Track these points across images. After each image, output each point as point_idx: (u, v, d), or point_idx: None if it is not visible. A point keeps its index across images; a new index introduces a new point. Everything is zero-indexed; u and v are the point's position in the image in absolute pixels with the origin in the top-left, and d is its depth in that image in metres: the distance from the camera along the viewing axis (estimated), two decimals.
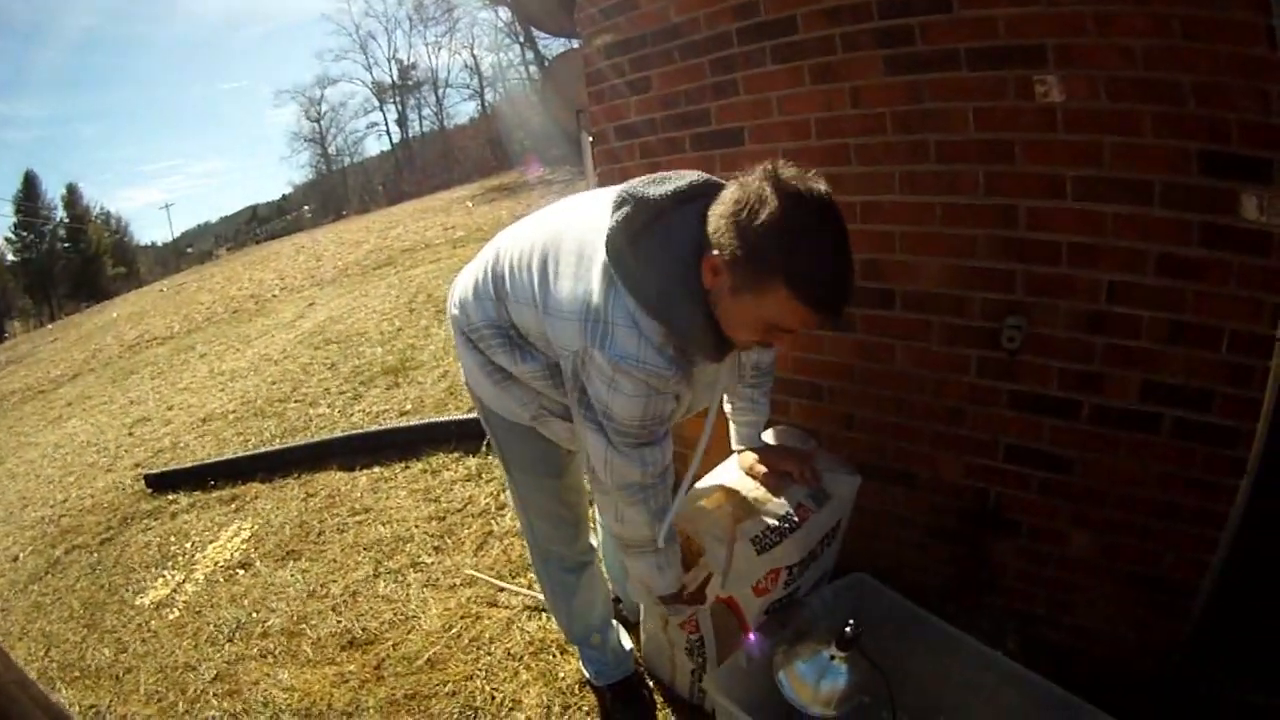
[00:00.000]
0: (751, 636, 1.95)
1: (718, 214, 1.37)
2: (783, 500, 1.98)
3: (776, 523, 1.92)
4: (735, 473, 2.11)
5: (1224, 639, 2.05)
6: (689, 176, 1.49)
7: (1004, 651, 1.92)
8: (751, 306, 1.36)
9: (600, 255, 1.45)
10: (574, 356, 1.50)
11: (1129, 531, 2.01)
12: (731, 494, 2.02)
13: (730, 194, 1.36)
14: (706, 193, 1.45)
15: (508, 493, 2.36)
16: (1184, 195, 1.75)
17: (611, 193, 1.50)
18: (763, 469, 2.06)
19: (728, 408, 2.08)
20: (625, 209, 1.42)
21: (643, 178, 1.51)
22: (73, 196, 48.62)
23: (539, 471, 1.97)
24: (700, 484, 2.11)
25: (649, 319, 1.42)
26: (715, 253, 1.36)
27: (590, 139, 3.07)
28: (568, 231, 1.57)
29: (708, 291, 1.40)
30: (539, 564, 2.20)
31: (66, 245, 47.61)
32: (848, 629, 1.67)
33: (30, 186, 46.25)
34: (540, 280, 1.57)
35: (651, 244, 1.41)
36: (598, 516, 2.07)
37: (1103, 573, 2.09)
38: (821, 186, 1.33)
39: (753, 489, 2.03)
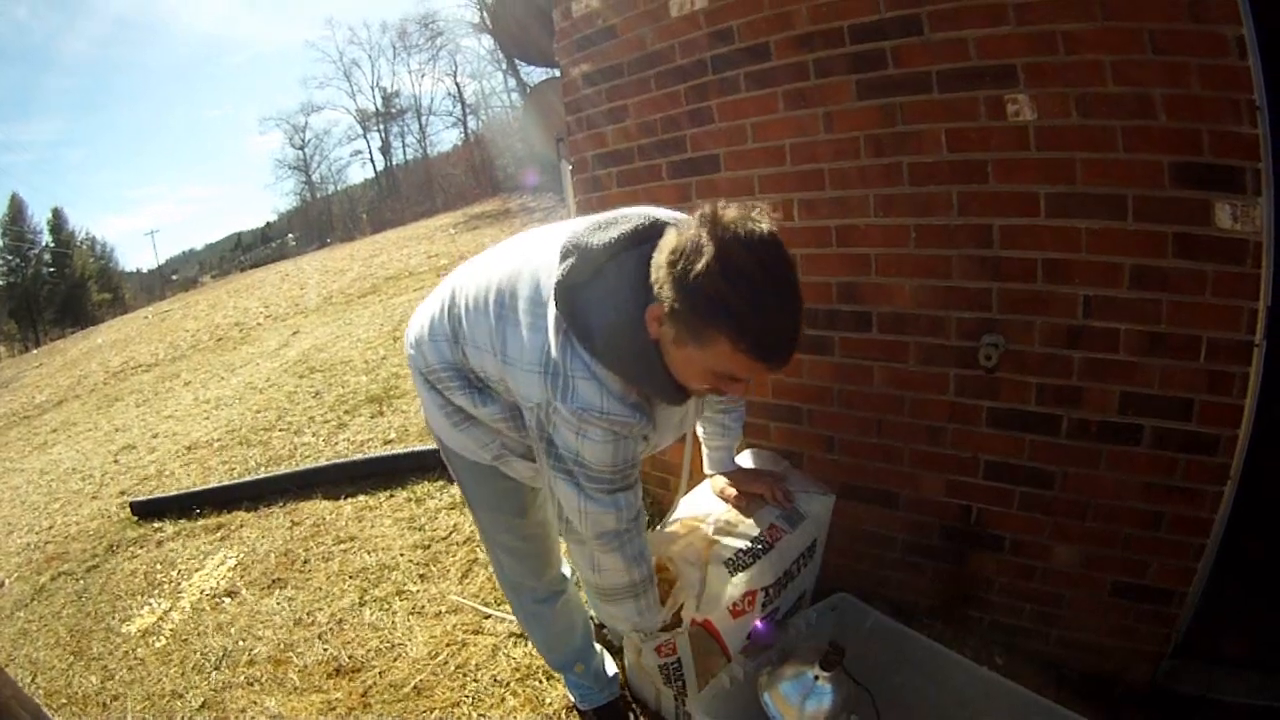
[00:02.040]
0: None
1: (657, 263, 1.30)
2: (755, 522, 1.95)
3: (749, 544, 1.89)
4: (707, 497, 2.08)
5: (1213, 644, 2.04)
6: (635, 219, 1.41)
7: (991, 666, 1.90)
8: (697, 357, 1.30)
9: (554, 304, 1.40)
10: (537, 409, 1.45)
11: (1113, 542, 2.00)
12: (703, 518, 1.99)
13: (668, 242, 1.29)
14: (652, 236, 1.38)
15: (477, 531, 2.32)
16: (1158, 207, 1.75)
17: (563, 234, 1.46)
18: (734, 492, 2.03)
19: (700, 432, 2.05)
20: (570, 260, 1.38)
21: (591, 220, 1.46)
22: (58, 221, 48.01)
23: (503, 510, 1.92)
24: (674, 510, 2.09)
25: (604, 369, 1.38)
26: (652, 305, 1.31)
27: (570, 167, 3.05)
28: (523, 273, 1.51)
29: (656, 340, 1.35)
30: (511, 596, 2.15)
31: (52, 270, 46.90)
32: (830, 649, 1.65)
33: (16, 210, 45.68)
34: (497, 326, 1.52)
35: (596, 295, 1.36)
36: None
37: (1088, 584, 2.07)
38: (764, 227, 1.25)
39: (725, 512, 2.00)
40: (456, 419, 1.73)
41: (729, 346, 1.25)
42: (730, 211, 1.25)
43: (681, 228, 1.28)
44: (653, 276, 1.31)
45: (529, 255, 1.54)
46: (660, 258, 1.29)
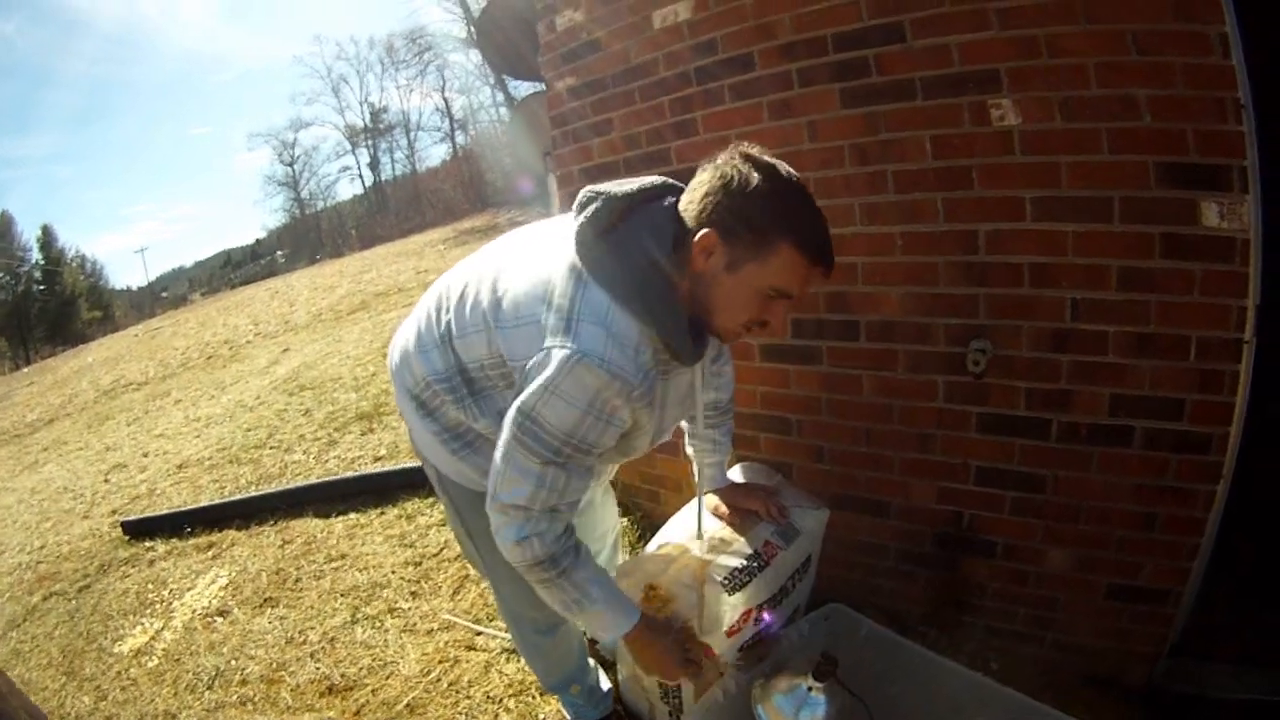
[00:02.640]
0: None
1: (701, 195, 1.34)
2: (749, 539, 1.91)
3: (744, 562, 1.84)
4: (698, 515, 2.05)
5: (1210, 642, 2.04)
6: (651, 177, 1.44)
7: (986, 672, 1.88)
8: (754, 276, 1.32)
9: (561, 257, 1.37)
10: (526, 362, 1.35)
11: (1106, 544, 1.98)
12: (696, 537, 1.95)
13: (709, 176, 1.35)
14: (670, 190, 1.43)
15: (468, 559, 2.23)
16: (1144, 208, 1.74)
17: (553, 220, 1.48)
18: (727, 510, 1.99)
19: (690, 450, 2.01)
20: (593, 206, 1.36)
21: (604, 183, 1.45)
22: (48, 238, 47.60)
23: None
24: (663, 531, 2.05)
25: (626, 316, 1.31)
26: (706, 231, 1.32)
27: (556, 180, 3.04)
28: (519, 250, 1.51)
29: (696, 275, 1.35)
30: (511, 625, 2.09)
31: (42, 288, 46.55)
32: (823, 659, 1.62)
33: (4, 227, 45.27)
34: (491, 300, 1.45)
35: (625, 237, 1.35)
36: None
37: (1082, 587, 2.05)
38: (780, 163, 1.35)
39: (718, 530, 1.96)
40: (454, 445, 1.65)
41: (793, 252, 1.30)
42: (753, 148, 1.35)
43: (714, 166, 1.36)
44: (697, 209, 1.35)
45: (524, 242, 1.54)
46: (703, 190, 1.35)
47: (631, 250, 1.34)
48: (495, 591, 2.04)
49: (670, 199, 1.41)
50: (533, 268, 1.42)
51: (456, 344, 1.53)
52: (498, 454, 1.41)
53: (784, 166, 1.33)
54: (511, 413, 1.36)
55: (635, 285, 1.32)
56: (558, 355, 1.29)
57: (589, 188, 1.41)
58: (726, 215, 1.31)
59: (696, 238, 1.32)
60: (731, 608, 1.80)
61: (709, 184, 1.33)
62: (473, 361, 1.52)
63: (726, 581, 1.81)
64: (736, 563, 1.85)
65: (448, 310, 1.56)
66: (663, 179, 1.45)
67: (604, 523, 2.26)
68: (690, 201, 1.36)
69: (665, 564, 1.88)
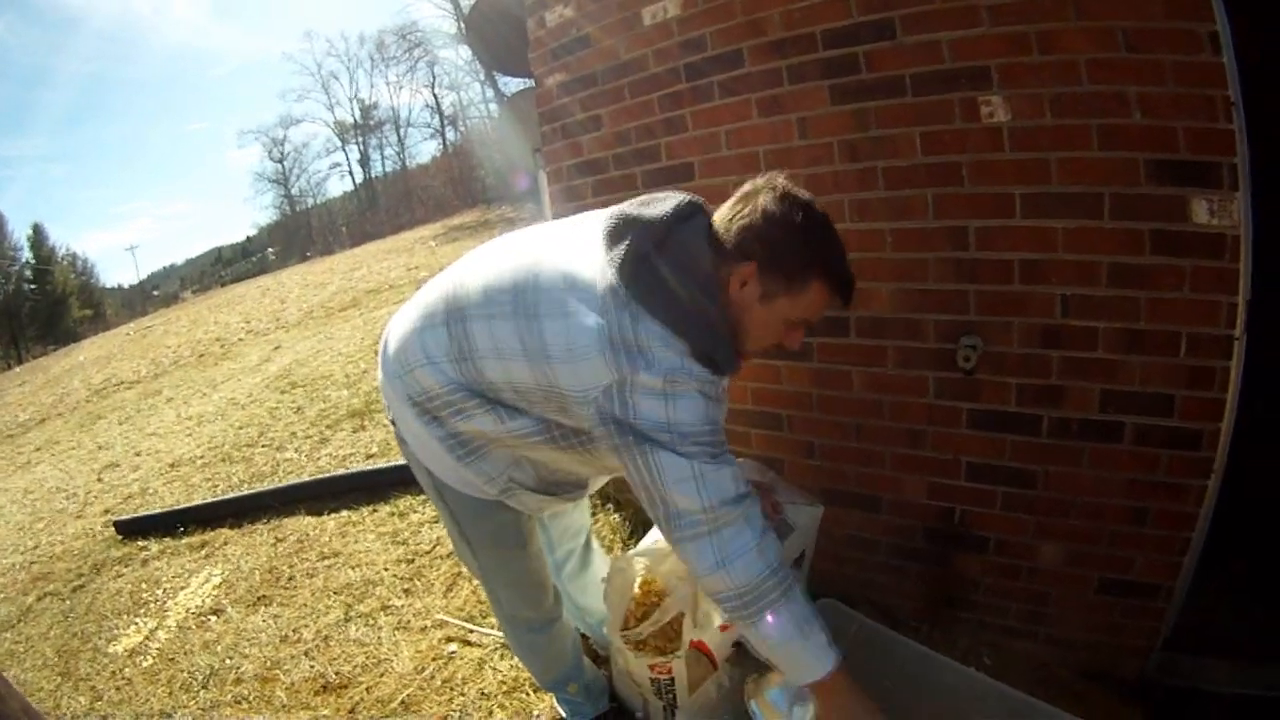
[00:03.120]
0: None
1: (739, 226, 1.39)
2: None
3: None
4: None
5: (1202, 636, 2.04)
6: (674, 197, 1.44)
7: (979, 667, 1.88)
8: (785, 308, 1.41)
9: (598, 285, 1.34)
10: (605, 394, 1.33)
11: (1098, 539, 1.98)
12: None
13: (746, 209, 1.40)
14: (696, 210, 1.44)
15: (463, 562, 2.24)
16: (1134, 205, 1.73)
17: (594, 221, 1.45)
18: None
19: None
20: (630, 236, 1.35)
21: (626, 203, 1.45)
22: (39, 237, 47.23)
23: (504, 544, 1.80)
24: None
25: (680, 340, 1.32)
26: (747, 265, 1.37)
27: (546, 176, 3.02)
28: (542, 267, 1.43)
29: (729, 300, 1.40)
30: (506, 628, 2.07)
31: (33, 287, 46.19)
32: None
33: None
34: (529, 325, 1.39)
35: (670, 266, 1.34)
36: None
37: (1074, 581, 2.05)
38: (806, 192, 1.42)
39: None
40: (461, 452, 1.59)
41: (823, 289, 1.40)
42: (783, 179, 1.42)
43: (748, 195, 1.41)
44: (734, 240, 1.39)
45: (548, 250, 1.46)
46: (736, 223, 1.40)
47: (680, 279, 1.34)
48: (491, 595, 2.01)
49: (698, 219, 1.43)
50: (565, 298, 1.37)
51: (482, 362, 1.47)
52: (679, 474, 1.32)
53: (815, 201, 1.41)
54: (647, 444, 1.32)
55: (682, 314, 1.33)
56: (649, 381, 1.30)
57: (618, 213, 1.41)
58: (765, 250, 1.36)
59: (736, 269, 1.38)
60: None
61: (748, 217, 1.38)
62: (501, 381, 1.46)
63: None
64: None
65: (460, 324, 1.49)
66: (684, 198, 1.44)
67: (579, 520, 2.25)
68: (726, 230, 1.40)
69: (661, 558, 1.87)
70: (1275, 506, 2.33)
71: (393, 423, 1.73)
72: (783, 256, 1.36)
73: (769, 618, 1.38)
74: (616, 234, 1.37)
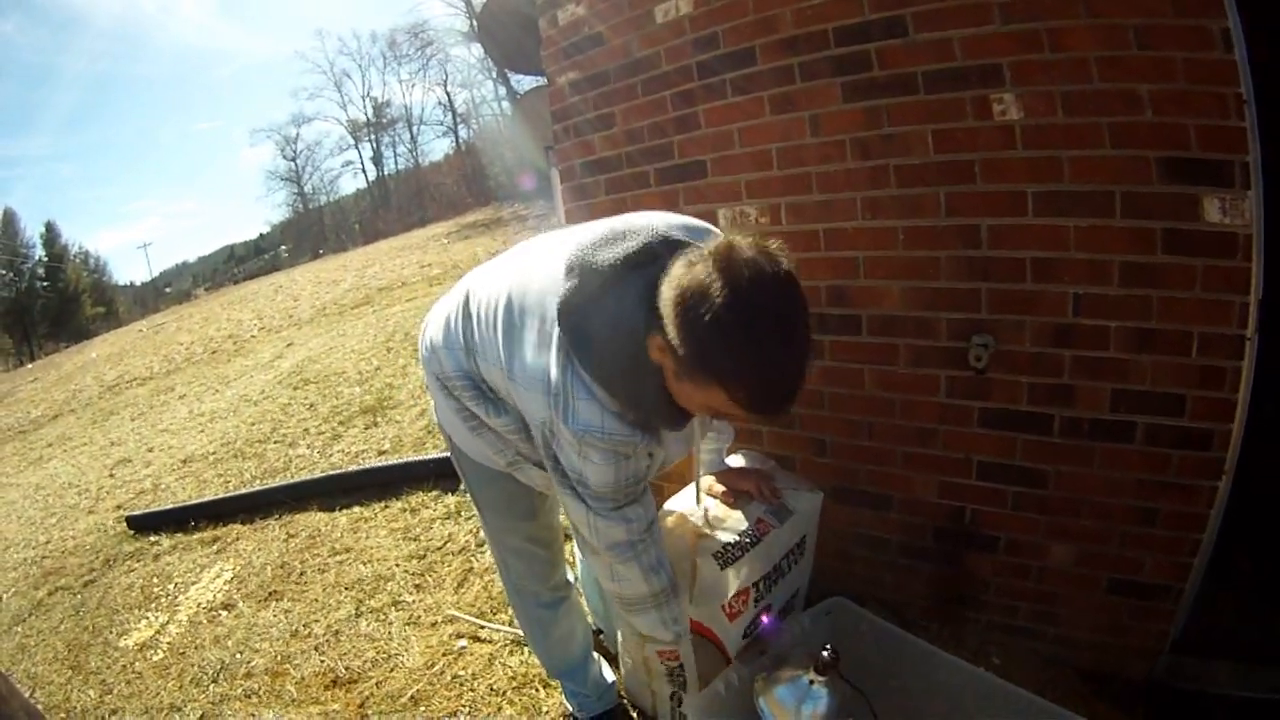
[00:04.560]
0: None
1: (665, 297, 1.22)
2: (742, 516, 1.94)
3: (736, 538, 1.87)
4: (694, 494, 2.06)
5: (1211, 638, 2.03)
6: (642, 234, 1.35)
7: (988, 666, 1.88)
8: (695, 395, 1.27)
9: (555, 318, 1.36)
10: (542, 426, 1.43)
11: (1108, 539, 1.98)
12: (691, 513, 1.97)
13: (677, 275, 1.21)
14: (658, 255, 1.31)
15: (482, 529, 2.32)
16: (1146, 203, 1.73)
17: (570, 245, 1.41)
18: (721, 489, 2.02)
19: None
20: (574, 279, 1.34)
21: (598, 234, 1.39)
22: (51, 235, 47.52)
23: (511, 513, 1.90)
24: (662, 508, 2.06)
25: (603, 391, 1.34)
26: (657, 339, 1.25)
27: (559, 175, 3.03)
28: (530, 287, 1.47)
29: (657, 368, 1.31)
30: (514, 599, 2.12)
31: (45, 284, 46.46)
32: (825, 652, 1.62)
33: (8, 224, 45.20)
34: (505, 342, 1.48)
35: (600, 318, 1.31)
36: (577, 554, 2.01)
37: (1083, 582, 2.05)
38: (780, 267, 1.19)
39: (713, 508, 1.99)
40: (473, 424, 1.70)
41: (724, 397, 1.22)
42: (745, 250, 1.18)
43: (692, 259, 1.21)
44: (660, 308, 1.23)
45: (538, 268, 1.49)
46: (668, 292, 1.22)
47: (607, 331, 1.31)
48: (501, 565, 2.07)
49: (654, 269, 1.29)
50: (538, 328, 1.42)
51: (479, 361, 1.59)
52: (576, 516, 1.52)
53: (766, 280, 1.17)
54: (561, 477, 1.48)
55: (610, 369, 1.32)
56: (566, 432, 1.37)
57: (575, 254, 1.36)
58: (675, 333, 1.20)
59: (653, 338, 1.27)
60: (725, 582, 1.82)
61: (675, 288, 1.20)
62: (491, 382, 1.60)
63: (719, 554, 1.83)
64: (729, 538, 1.88)
65: (471, 320, 1.60)
66: (653, 237, 1.35)
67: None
68: (662, 293, 1.24)
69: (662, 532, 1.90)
70: None
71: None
72: (687, 346, 1.19)
73: (640, 617, 1.67)
74: (569, 274, 1.35)
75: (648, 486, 1.56)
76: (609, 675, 2.27)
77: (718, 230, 1.50)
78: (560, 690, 2.31)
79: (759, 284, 1.15)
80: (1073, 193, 1.81)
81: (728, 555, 1.84)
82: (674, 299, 1.19)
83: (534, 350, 1.42)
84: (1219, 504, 1.82)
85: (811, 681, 1.65)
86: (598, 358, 1.32)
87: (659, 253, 1.31)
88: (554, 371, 1.36)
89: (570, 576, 2.15)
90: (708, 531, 1.90)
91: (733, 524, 1.92)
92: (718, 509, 1.98)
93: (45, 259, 47.08)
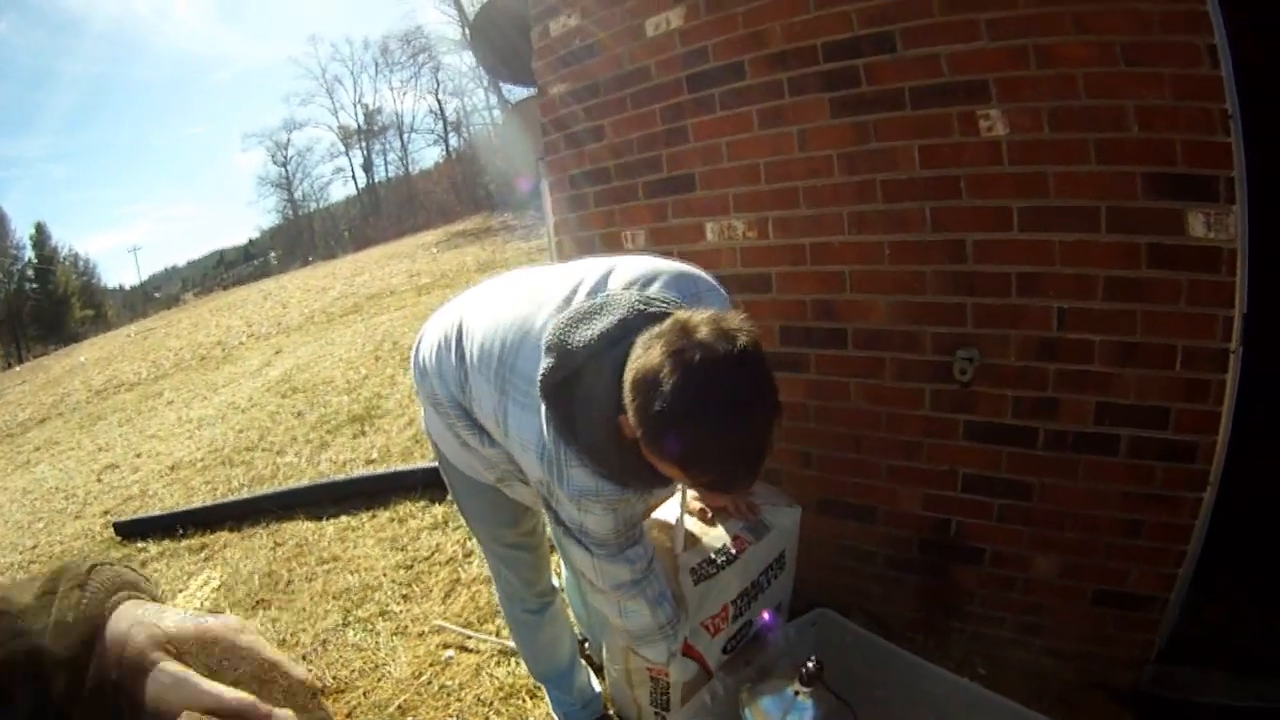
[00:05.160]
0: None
1: (626, 381, 1.22)
2: (720, 533, 1.94)
3: (713, 555, 1.87)
4: (671, 511, 2.06)
5: (1198, 647, 2.03)
6: (620, 310, 1.32)
7: (974, 677, 1.88)
8: (663, 468, 1.26)
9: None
10: (539, 484, 1.47)
11: (1092, 551, 1.98)
12: (668, 530, 1.96)
13: (635, 358, 1.21)
14: (633, 330, 1.28)
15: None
16: (1131, 218, 1.74)
17: (550, 308, 1.43)
18: (699, 505, 2.01)
19: None
20: (550, 359, 1.33)
21: (575, 310, 1.37)
22: (41, 236, 46.63)
23: (494, 521, 1.92)
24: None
25: (592, 462, 1.36)
26: (622, 417, 1.26)
27: (549, 185, 3.03)
28: (522, 349, 1.45)
29: (633, 441, 1.29)
30: (504, 603, 2.14)
31: (35, 286, 45.70)
32: (810, 663, 1.63)
33: None
34: (500, 401, 1.48)
35: (578, 398, 1.32)
36: (563, 567, 2.01)
37: (1069, 593, 2.05)
38: (735, 346, 1.15)
39: (691, 525, 1.97)
40: (462, 440, 1.72)
41: (680, 474, 1.24)
42: (699, 331, 1.16)
43: (649, 340, 1.21)
44: (625, 382, 1.24)
45: (531, 314, 1.48)
46: (627, 376, 1.22)
47: (581, 414, 1.33)
48: (493, 571, 2.10)
49: (624, 345, 1.27)
50: (528, 390, 1.41)
51: (473, 405, 1.60)
52: (580, 561, 1.54)
53: (719, 362, 1.14)
54: (563, 529, 1.51)
55: (590, 444, 1.35)
56: (562, 494, 1.41)
57: (552, 334, 1.35)
58: (633, 416, 1.20)
59: (623, 415, 1.26)
60: (702, 598, 1.81)
61: (631, 373, 1.21)
62: (485, 424, 1.61)
63: (695, 571, 1.83)
64: (707, 555, 1.87)
65: (467, 356, 1.59)
66: (629, 312, 1.32)
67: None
68: (626, 372, 1.23)
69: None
70: (1270, 516, 2.33)
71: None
72: (643, 432, 1.20)
73: (649, 649, 1.69)
74: (547, 352, 1.35)
75: (642, 525, 1.60)
76: (596, 685, 2.27)
77: (706, 279, 1.49)
78: (547, 699, 2.30)
79: (710, 367, 1.13)
80: (1058, 208, 1.82)
81: (702, 571, 1.83)
82: (630, 385, 1.20)
83: (527, 414, 1.43)
84: (1203, 515, 1.83)
85: (797, 693, 1.65)
86: (579, 433, 1.34)
87: (635, 327, 1.30)
88: (547, 440, 1.39)
89: (556, 583, 2.16)
90: (685, 549, 1.89)
91: (709, 541, 1.92)
92: (696, 526, 1.98)
93: (35, 261, 46.48)
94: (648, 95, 2.48)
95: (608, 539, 1.48)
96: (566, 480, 1.38)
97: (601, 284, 1.45)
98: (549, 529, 1.60)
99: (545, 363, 1.34)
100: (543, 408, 1.38)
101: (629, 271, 1.46)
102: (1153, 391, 1.81)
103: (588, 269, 1.50)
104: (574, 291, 1.46)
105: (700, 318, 1.19)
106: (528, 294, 1.55)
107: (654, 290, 1.40)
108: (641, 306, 1.33)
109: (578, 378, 1.32)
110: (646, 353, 1.19)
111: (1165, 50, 1.65)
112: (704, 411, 1.14)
